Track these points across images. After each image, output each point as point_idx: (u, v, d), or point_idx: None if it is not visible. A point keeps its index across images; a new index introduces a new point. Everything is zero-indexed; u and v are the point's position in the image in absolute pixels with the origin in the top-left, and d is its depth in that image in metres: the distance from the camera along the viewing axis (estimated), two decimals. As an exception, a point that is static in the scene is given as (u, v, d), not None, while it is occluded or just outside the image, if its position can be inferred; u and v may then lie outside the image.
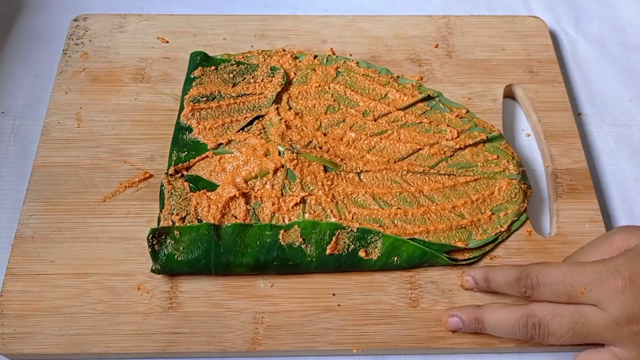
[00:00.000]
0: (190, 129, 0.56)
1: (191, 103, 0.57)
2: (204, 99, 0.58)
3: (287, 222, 0.52)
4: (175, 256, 0.50)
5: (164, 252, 0.50)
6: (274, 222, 0.52)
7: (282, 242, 0.50)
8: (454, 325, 0.48)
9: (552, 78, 0.63)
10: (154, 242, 0.50)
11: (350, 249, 0.51)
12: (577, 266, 0.46)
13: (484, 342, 0.49)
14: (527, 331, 0.46)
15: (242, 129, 0.56)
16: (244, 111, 0.58)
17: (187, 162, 0.55)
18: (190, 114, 0.57)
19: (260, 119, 0.57)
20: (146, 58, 0.63)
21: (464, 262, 0.52)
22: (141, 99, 0.60)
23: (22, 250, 0.52)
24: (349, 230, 0.51)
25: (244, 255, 0.50)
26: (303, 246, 0.50)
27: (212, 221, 0.51)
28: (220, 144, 0.55)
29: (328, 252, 0.50)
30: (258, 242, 0.50)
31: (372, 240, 0.51)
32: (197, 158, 0.55)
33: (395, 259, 0.51)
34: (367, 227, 0.51)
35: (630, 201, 0.59)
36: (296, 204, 0.53)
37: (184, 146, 0.56)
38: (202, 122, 0.56)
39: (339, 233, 0.51)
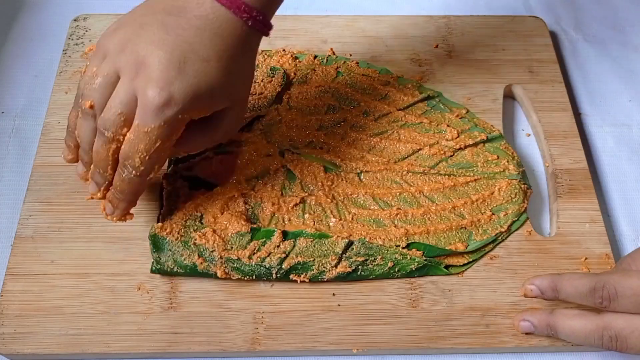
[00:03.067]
0: None
1: None
2: None
3: (287, 222, 0.52)
4: (176, 262, 0.50)
5: (165, 258, 0.50)
6: (273, 222, 0.52)
7: (284, 266, 0.50)
8: (525, 329, 0.48)
9: (552, 78, 0.63)
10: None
11: (352, 269, 0.50)
12: None
13: (484, 342, 0.49)
14: (602, 343, 0.44)
15: (242, 129, 0.56)
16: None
17: (187, 163, 0.55)
18: None
19: (260, 119, 0.57)
20: (146, 58, 0.63)
21: (463, 269, 0.52)
22: (141, 99, 0.60)
23: (22, 250, 0.52)
24: (352, 257, 0.51)
25: (246, 273, 0.50)
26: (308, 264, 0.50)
27: (212, 220, 0.51)
28: (220, 144, 0.55)
29: (328, 277, 0.50)
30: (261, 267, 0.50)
31: (374, 259, 0.51)
32: (197, 158, 0.55)
33: (396, 271, 0.51)
34: (369, 244, 0.51)
35: (630, 201, 0.59)
36: (296, 204, 0.53)
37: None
38: None
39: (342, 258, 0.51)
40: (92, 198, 0.48)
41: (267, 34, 0.46)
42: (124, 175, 0.45)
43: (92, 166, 0.46)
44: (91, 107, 0.44)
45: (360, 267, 0.50)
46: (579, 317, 0.45)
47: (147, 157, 0.43)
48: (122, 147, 0.44)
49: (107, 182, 0.46)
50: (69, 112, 0.47)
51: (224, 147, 0.55)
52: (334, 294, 0.51)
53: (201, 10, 0.43)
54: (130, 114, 0.43)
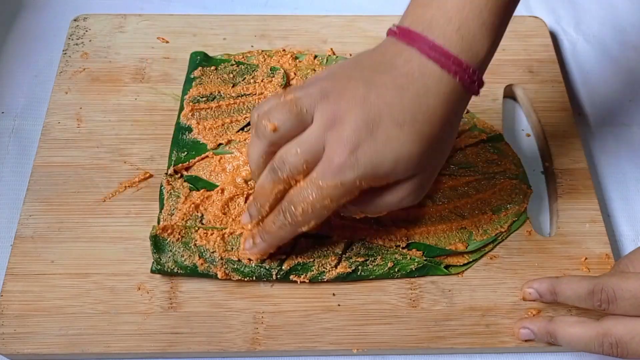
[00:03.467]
0: (190, 129, 0.56)
1: (191, 103, 0.57)
2: (204, 99, 0.58)
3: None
4: (177, 262, 0.50)
5: (166, 259, 0.50)
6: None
7: (284, 267, 0.50)
8: (525, 337, 0.48)
9: (552, 78, 0.63)
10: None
11: (352, 270, 0.50)
12: None
13: (484, 342, 0.49)
14: (603, 350, 0.43)
15: (242, 129, 0.56)
16: (244, 111, 0.58)
17: (187, 163, 0.55)
18: (190, 114, 0.57)
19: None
20: (146, 58, 0.63)
21: (463, 269, 0.52)
22: (141, 99, 0.60)
23: (22, 250, 0.52)
24: (352, 257, 0.51)
25: (246, 274, 0.50)
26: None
27: (212, 221, 0.51)
28: (220, 144, 0.55)
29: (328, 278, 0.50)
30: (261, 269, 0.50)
31: (374, 259, 0.51)
32: (196, 158, 0.55)
33: (396, 271, 0.51)
34: (369, 245, 0.51)
35: (630, 201, 0.59)
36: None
37: (184, 146, 0.56)
38: (202, 122, 0.56)
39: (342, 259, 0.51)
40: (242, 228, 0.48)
41: (477, 93, 0.42)
42: (278, 219, 0.44)
43: (253, 196, 0.46)
44: (274, 130, 0.42)
45: (360, 267, 0.50)
46: (579, 324, 0.45)
47: (310, 211, 0.42)
48: (291, 191, 0.43)
49: (260, 218, 0.45)
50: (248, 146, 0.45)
51: (223, 147, 0.55)
52: (334, 294, 0.51)
53: (407, 67, 0.41)
54: (313, 164, 0.41)
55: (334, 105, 0.41)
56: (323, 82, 0.42)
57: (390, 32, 0.44)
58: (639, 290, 0.42)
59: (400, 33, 0.42)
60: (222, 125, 0.56)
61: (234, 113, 0.57)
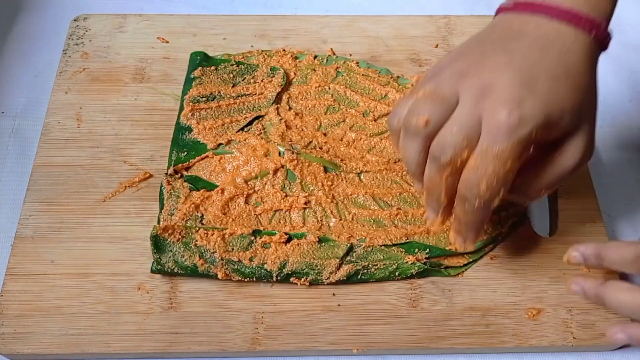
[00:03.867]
0: (190, 129, 0.56)
1: (191, 103, 0.57)
2: (204, 99, 0.58)
3: (287, 222, 0.52)
4: (177, 263, 0.50)
5: (166, 259, 0.50)
6: (274, 222, 0.52)
7: (285, 270, 0.50)
8: (576, 292, 0.47)
9: (552, 78, 0.63)
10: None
11: (352, 274, 0.51)
12: None
13: (484, 342, 0.49)
14: None
15: (242, 129, 0.56)
16: (244, 111, 0.58)
17: (187, 163, 0.55)
18: (190, 114, 0.57)
19: (260, 119, 0.57)
20: (146, 58, 0.63)
21: (462, 270, 0.52)
22: (141, 99, 0.60)
23: (22, 250, 0.52)
24: (353, 261, 0.51)
25: (247, 275, 0.50)
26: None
27: (212, 221, 0.51)
28: (220, 144, 0.55)
29: (328, 281, 0.50)
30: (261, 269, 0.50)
31: (376, 264, 0.51)
32: (196, 158, 0.55)
33: (396, 275, 0.51)
34: (370, 249, 0.51)
35: (630, 201, 0.59)
36: (296, 207, 0.53)
37: (184, 146, 0.56)
38: (202, 122, 0.56)
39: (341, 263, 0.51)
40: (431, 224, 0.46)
41: (607, 46, 0.44)
42: (466, 207, 0.43)
43: (425, 192, 0.45)
44: (426, 124, 0.41)
45: (361, 270, 0.50)
46: (629, 290, 0.45)
47: (495, 182, 0.41)
48: (463, 175, 0.42)
49: (443, 206, 0.45)
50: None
51: (223, 147, 0.55)
52: (334, 294, 0.51)
53: (541, 31, 0.42)
54: (474, 137, 0.41)
55: (477, 78, 0.41)
56: (455, 64, 0.42)
57: (502, 10, 0.45)
58: None
59: (519, 6, 0.44)
60: (222, 125, 0.56)
61: (234, 113, 0.57)
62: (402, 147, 0.44)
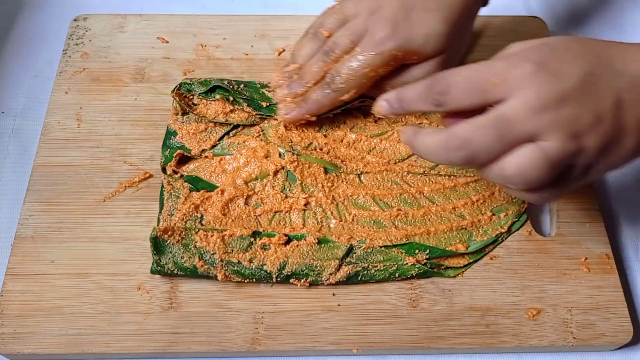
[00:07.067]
0: (175, 134, 0.56)
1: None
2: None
3: (287, 223, 0.52)
4: (176, 264, 0.50)
5: (166, 260, 0.50)
6: (274, 223, 0.52)
7: (285, 272, 0.50)
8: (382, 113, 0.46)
9: (552, 78, 0.63)
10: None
11: (352, 275, 0.51)
12: (484, 63, 0.42)
13: (484, 342, 0.49)
14: (449, 155, 0.41)
15: (227, 133, 0.56)
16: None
17: (188, 163, 0.55)
18: (176, 117, 0.56)
19: (260, 120, 0.57)
20: (146, 58, 0.63)
21: (462, 270, 0.52)
22: (141, 99, 0.60)
23: (22, 250, 0.52)
24: (353, 262, 0.50)
25: (247, 276, 0.50)
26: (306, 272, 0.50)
27: (212, 222, 0.51)
28: (204, 149, 0.55)
29: (328, 282, 0.51)
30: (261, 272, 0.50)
31: (375, 265, 0.51)
32: (197, 158, 0.55)
33: (396, 276, 0.51)
34: (370, 250, 0.51)
35: (630, 201, 0.59)
36: (296, 208, 0.53)
37: (172, 151, 0.55)
38: (185, 126, 0.56)
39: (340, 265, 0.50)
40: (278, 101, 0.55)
41: (485, 4, 0.54)
42: (322, 89, 0.52)
43: (296, 77, 0.54)
44: (328, 36, 0.52)
45: (360, 272, 0.50)
46: (432, 133, 0.43)
47: (352, 78, 0.51)
48: (335, 65, 0.51)
49: (298, 94, 0.54)
50: (298, 41, 0.55)
51: (208, 151, 0.55)
52: (334, 294, 0.51)
53: None
54: (356, 43, 0.51)
55: (372, 2, 0.51)
56: None
57: None
58: (468, 72, 0.41)
59: None
60: (205, 129, 0.56)
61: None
62: (301, 45, 0.55)
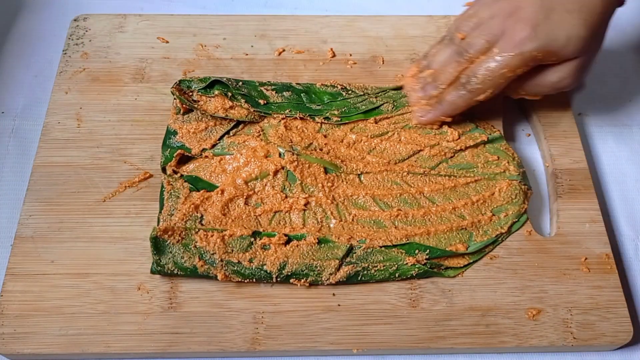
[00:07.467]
0: (175, 133, 0.56)
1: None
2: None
3: (287, 223, 0.52)
4: (176, 264, 0.50)
5: (166, 260, 0.50)
6: (274, 223, 0.52)
7: (285, 272, 0.50)
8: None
9: (552, 78, 0.63)
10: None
11: (353, 274, 0.51)
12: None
13: (484, 342, 0.49)
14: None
15: (228, 132, 0.56)
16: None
17: (188, 163, 0.55)
18: (176, 117, 0.56)
19: (261, 120, 0.57)
20: (146, 58, 0.63)
21: (462, 270, 0.52)
22: (141, 99, 0.60)
23: (22, 250, 0.52)
24: (353, 262, 0.50)
25: (246, 276, 0.50)
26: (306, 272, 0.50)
27: (212, 222, 0.51)
28: (204, 149, 0.55)
29: (328, 282, 0.51)
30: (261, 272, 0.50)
31: (375, 265, 0.51)
32: (197, 158, 0.55)
33: (396, 276, 0.51)
34: (370, 250, 0.51)
35: (630, 201, 0.59)
36: (296, 208, 0.53)
37: (173, 150, 0.55)
38: (185, 126, 0.56)
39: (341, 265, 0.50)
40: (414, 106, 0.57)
41: (623, 2, 0.53)
42: (458, 90, 0.53)
43: (431, 80, 0.55)
44: (462, 38, 0.53)
45: (360, 272, 0.50)
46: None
47: (489, 79, 0.51)
48: (471, 66, 0.52)
49: (433, 96, 0.55)
50: (433, 47, 0.57)
51: (208, 151, 0.55)
52: (334, 294, 0.51)
53: None
54: (493, 43, 0.51)
55: (509, 3, 0.51)
56: None
57: None
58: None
59: None
60: (206, 128, 0.56)
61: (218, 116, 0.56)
62: (437, 51, 0.56)
